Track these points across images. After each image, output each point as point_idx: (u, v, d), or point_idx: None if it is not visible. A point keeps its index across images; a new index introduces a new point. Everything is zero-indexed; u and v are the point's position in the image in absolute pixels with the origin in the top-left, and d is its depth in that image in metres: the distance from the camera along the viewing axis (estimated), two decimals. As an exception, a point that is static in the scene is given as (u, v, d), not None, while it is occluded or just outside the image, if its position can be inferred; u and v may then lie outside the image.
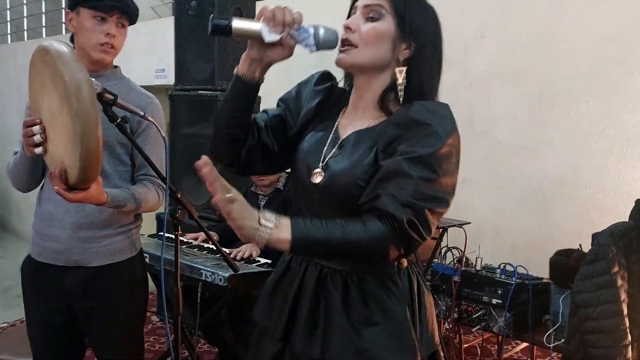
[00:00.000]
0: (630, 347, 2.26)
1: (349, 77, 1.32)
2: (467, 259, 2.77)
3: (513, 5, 3.51)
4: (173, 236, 1.75)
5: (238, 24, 1.10)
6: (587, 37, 3.26)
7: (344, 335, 1.15)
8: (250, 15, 3.49)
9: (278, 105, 1.35)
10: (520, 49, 3.51)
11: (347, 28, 1.19)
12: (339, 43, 1.18)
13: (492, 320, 2.55)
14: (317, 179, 1.19)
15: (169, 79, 5.25)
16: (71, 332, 1.87)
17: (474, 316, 2.58)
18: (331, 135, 1.25)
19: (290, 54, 1.17)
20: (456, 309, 2.66)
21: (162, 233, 2.92)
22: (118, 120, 1.54)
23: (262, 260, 2.53)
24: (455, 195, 1.18)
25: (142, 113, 1.58)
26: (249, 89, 1.21)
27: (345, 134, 1.24)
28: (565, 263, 2.59)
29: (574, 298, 2.31)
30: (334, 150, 1.22)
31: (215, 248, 2.72)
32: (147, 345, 3.50)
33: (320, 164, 1.21)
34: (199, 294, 2.29)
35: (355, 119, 1.26)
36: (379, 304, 1.17)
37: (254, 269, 2.38)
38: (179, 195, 1.68)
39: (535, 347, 2.61)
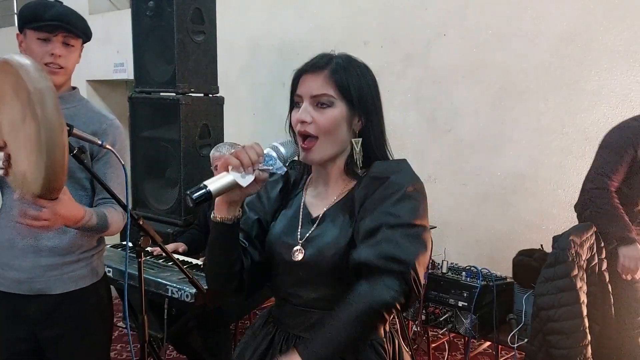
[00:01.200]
0: (589, 347, 2.35)
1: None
2: (433, 261, 2.81)
3: (474, 3, 3.53)
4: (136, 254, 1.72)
5: (214, 186, 1.10)
6: (546, 35, 3.31)
7: None
8: (210, 13, 3.41)
9: (244, 212, 1.28)
10: (481, 46, 3.54)
11: (303, 122, 1.19)
12: (299, 140, 1.21)
13: (459, 322, 2.60)
14: (299, 256, 1.20)
15: (129, 73, 5.11)
16: (36, 359, 1.83)
17: (441, 318, 2.63)
18: (301, 213, 1.25)
19: (263, 184, 1.17)
20: (424, 311, 2.71)
21: (125, 242, 2.87)
22: (74, 152, 1.49)
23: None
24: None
25: (99, 142, 1.53)
26: (234, 228, 1.19)
27: (318, 210, 1.25)
28: (527, 263, 2.66)
29: (536, 300, 2.38)
30: (313, 227, 1.22)
31: (187, 260, 2.70)
32: (114, 354, 3.45)
33: (300, 242, 1.22)
34: (166, 310, 2.26)
35: (327, 194, 1.26)
36: None
37: (222, 283, 2.36)
38: (141, 222, 1.64)
39: (500, 346, 2.68)
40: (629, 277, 2.46)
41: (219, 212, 1.17)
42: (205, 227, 3.06)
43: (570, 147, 3.22)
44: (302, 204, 1.26)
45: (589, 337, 2.32)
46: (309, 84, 1.19)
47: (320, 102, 1.18)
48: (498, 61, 3.48)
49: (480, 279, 2.61)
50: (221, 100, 3.52)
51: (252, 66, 4.53)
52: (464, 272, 2.68)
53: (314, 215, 1.24)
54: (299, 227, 1.23)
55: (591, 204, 2.53)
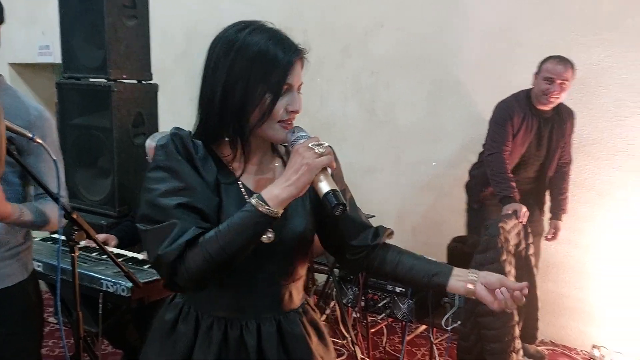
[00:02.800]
0: (516, 326, 2.48)
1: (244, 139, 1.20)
2: (371, 249, 2.86)
3: (411, -5, 3.60)
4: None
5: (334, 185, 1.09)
6: (477, 30, 3.42)
7: None
8: (143, 2, 3.29)
9: (207, 193, 1.17)
10: (418, 38, 3.61)
11: (297, 112, 1.17)
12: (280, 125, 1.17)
13: (396, 308, 2.68)
14: (270, 237, 1.15)
15: (55, 56, 4.85)
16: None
17: (380, 304, 2.70)
18: (245, 195, 1.19)
19: None
20: (363, 298, 2.77)
21: (55, 236, 2.75)
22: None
23: (168, 264, 2.45)
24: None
25: (30, 135, 1.45)
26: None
27: (260, 187, 1.20)
28: (461, 249, 2.77)
29: (468, 284, 2.48)
30: None
31: (122, 253, 2.61)
32: (45, 350, 3.30)
33: None
34: (100, 305, 2.18)
35: (260, 171, 1.25)
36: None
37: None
38: (74, 216, 1.57)
39: (435, 328, 2.78)
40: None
41: (280, 208, 1.09)
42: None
43: (501, 137, 3.36)
44: (241, 185, 1.20)
45: (516, 318, 2.45)
46: (298, 72, 1.16)
47: (298, 90, 1.18)
48: (434, 54, 3.57)
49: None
50: (155, 88, 3.40)
51: (189, 53, 4.41)
52: (401, 259, 2.75)
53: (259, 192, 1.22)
54: None
55: (489, 168, 2.95)
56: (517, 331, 2.47)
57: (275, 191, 1.07)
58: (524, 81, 3.25)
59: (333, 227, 1.29)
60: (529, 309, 2.79)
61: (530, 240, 2.79)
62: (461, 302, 2.64)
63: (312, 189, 1.11)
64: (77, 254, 1.61)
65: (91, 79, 3.23)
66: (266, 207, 1.06)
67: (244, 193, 1.19)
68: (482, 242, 2.44)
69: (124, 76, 3.21)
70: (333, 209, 1.05)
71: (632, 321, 3.05)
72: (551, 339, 3.38)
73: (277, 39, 1.14)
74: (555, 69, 2.84)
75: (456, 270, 1.26)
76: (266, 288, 1.23)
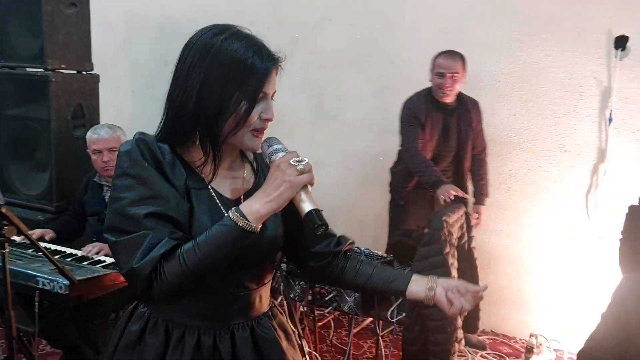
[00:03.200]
0: (459, 317, 2.55)
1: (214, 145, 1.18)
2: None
3: (359, -9, 3.61)
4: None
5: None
6: (425, 27, 3.48)
7: None
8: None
9: (176, 199, 1.13)
10: (367, 34, 3.64)
11: (271, 120, 1.16)
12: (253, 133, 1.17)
13: (343, 301, 2.69)
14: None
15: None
16: None
17: (326, 298, 2.70)
18: (218, 201, 1.18)
19: None
20: (310, 292, 2.77)
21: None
22: None
23: (109, 260, 2.38)
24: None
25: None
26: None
27: (231, 193, 1.21)
28: (406, 243, 2.81)
29: (413, 276, 2.52)
30: None
31: (60, 249, 2.51)
32: (-23, 353, 3.14)
33: None
34: (37, 303, 2.09)
35: (230, 176, 1.23)
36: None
37: (99, 272, 2.23)
38: (3, 210, 1.49)
39: (381, 321, 2.82)
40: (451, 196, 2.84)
41: (259, 223, 1.09)
42: (81, 214, 2.87)
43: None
44: (212, 191, 1.18)
45: (459, 309, 2.52)
46: (273, 80, 1.15)
47: (272, 98, 1.17)
48: (382, 49, 3.61)
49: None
50: (96, 78, 3.29)
51: (131, 42, 4.29)
52: (348, 253, 2.77)
53: (232, 198, 1.21)
54: (223, 212, 1.16)
55: (409, 163, 3.07)
56: (459, 322, 2.54)
57: (255, 206, 1.07)
58: (474, 77, 3.34)
59: (297, 233, 1.28)
60: (471, 300, 2.87)
61: (473, 233, 2.87)
62: (406, 295, 2.68)
63: None
64: (8, 250, 1.53)
65: (28, 69, 3.10)
66: (245, 222, 1.05)
67: (216, 199, 1.17)
68: (426, 236, 2.49)
69: (63, 66, 3.10)
70: (315, 229, 1.06)
71: (567, 311, 3.19)
72: (492, 329, 3.49)
73: (255, 46, 1.12)
74: (444, 63, 3.00)
75: (416, 277, 1.28)
76: (238, 294, 1.22)
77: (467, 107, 3.13)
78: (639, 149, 3.05)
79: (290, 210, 1.12)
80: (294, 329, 1.39)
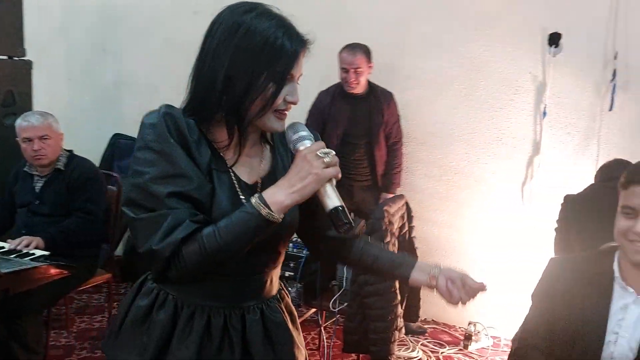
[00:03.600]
0: (399, 305, 2.58)
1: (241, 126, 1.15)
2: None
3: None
4: None
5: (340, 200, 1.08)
6: (370, 21, 3.50)
7: None
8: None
9: (201, 179, 1.10)
10: (313, 26, 3.60)
11: (295, 103, 1.14)
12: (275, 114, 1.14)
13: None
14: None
15: None
16: None
17: (268, 289, 2.69)
18: (237, 185, 1.15)
19: None
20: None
21: None
22: None
23: (38, 253, 2.27)
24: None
25: None
26: None
27: (249, 177, 1.19)
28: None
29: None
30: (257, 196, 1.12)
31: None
32: None
33: None
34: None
35: (250, 161, 1.20)
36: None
37: (28, 264, 2.13)
38: None
39: (324, 311, 2.83)
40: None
41: (282, 214, 1.06)
42: (10, 204, 2.73)
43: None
44: (232, 174, 1.15)
45: (399, 297, 2.55)
46: (301, 63, 1.13)
47: (297, 81, 1.14)
48: (328, 42, 3.58)
49: (306, 249, 2.71)
50: (29, 64, 3.14)
51: (67, 28, 4.12)
52: (290, 244, 2.76)
53: (249, 182, 1.18)
54: (240, 196, 1.14)
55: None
56: (399, 310, 2.57)
57: (279, 196, 1.05)
58: (415, 70, 3.39)
59: (311, 217, 1.25)
60: (412, 289, 2.92)
61: (414, 223, 2.92)
62: (348, 284, 2.70)
63: None
64: None
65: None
66: (269, 211, 1.04)
67: (236, 183, 1.15)
68: (368, 225, 2.51)
69: (-8, 50, 2.94)
70: (339, 227, 1.04)
71: (504, 300, 3.29)
72: (433, 318, 3.57)
73: (284, 27, 1.10)
74: (346, 59, 3.12)
75: (419, 264, 1.28)
76: (251, 276, 1.20)
77: (378, 98, 3.22)
78: (570, 142, 3.18)
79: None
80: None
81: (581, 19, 3.05)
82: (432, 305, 3.47)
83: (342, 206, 1.05)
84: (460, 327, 3.46)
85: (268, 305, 1.24)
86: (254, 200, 1.05)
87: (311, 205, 1.14)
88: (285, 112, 1.14)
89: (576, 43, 3.08)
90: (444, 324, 3.53)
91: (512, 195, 3.32)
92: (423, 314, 3.43)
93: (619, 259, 1.44)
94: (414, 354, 3.08)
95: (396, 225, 2.64)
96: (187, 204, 1.06)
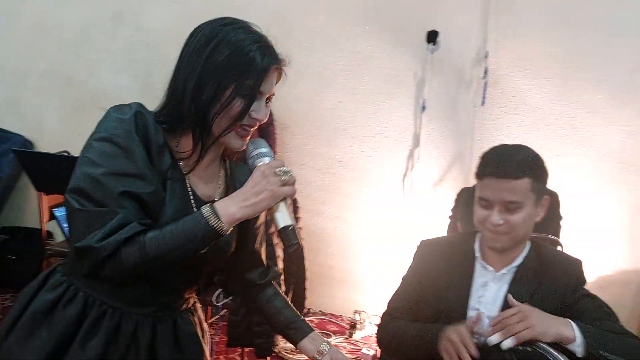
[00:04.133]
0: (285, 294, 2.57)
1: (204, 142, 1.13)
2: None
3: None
4: None
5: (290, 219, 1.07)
6: (256, 14, 3.44)
7: None
8: None
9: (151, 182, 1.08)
10: (197, 15, 3.49)
11: (259, 121, 1.13)
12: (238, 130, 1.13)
13: (165, 288, 2.57)
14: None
15: None
16: None
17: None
18: (191, 196, 1.14)
19: None
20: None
21: None
22: None
23: None
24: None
25: None
26: None
27: (205, 193, 1.18)
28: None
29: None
30: None
31: None
32: None
33: None
34: None
35: (205, 176, 1.19)
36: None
37: None
38: None
39: (209, 307, 2.74)
40: None
41: (231, 226, 1.05)
42: None
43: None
44: (186, 184, 1.14)
45: (283, 288, 2.54)
46: (271, 81, 1.12)
47: (269, 100, 1.14)
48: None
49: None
50: None
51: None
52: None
53: (203, 197, 1.16)
54: (193, 207, 1.13)
55: None
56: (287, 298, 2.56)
57: (231, 208, 1.03)
58: (302, 64, 3.39)
59: (236, 249, 1.23)
60: (298, 280, 2.93)
61: (300, 214, 2.93)
62: (233, 278, 2.64)
63: None
64: None
65: None
66: (218, 222, 1.02)
67: (190, 194, 1.13)
68: (251, 216, 2.47)
69: None
70: (288, 247, 1.04)
71: (387, 290, 3.39)
72: (320, 309, 3.60)
73: (260, 42, 1.10)
74: None
75: (313, 334, 1.29)
76: (172, 288, 1.19)
77: None
78: (447, 135, 3.35)
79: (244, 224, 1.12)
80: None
81: (456, 18, 3.22)
82: (319, 296, 3.51)
83: (293, 226, 1.05)
84: (346, 317, 3.53)
85: (181, 317, 1.24)
86: (205, 209, 1.04)
87: (242, 238, 1.18)
88: (249, 128, 1.12)
89: (452, 41, 3.24)
90: (331, 314, 3.58)
91: (395, 188, 3.43)
92: (310, 304, 3.47)
93: (479, 240, 1.52)
94: (300, 346, 3.08)
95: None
96: (138, 206, 1.04)
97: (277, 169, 1.05)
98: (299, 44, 3.43)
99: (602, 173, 3.07)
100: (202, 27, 1.12)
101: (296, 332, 1.29)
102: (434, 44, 3.26)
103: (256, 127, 1.14)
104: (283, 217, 1.06)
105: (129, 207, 1.02)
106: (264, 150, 1.12)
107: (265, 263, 1.36)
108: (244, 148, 1.14)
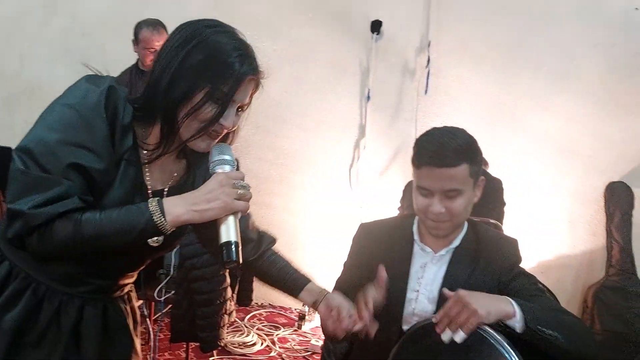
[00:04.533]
0: (228, 289, 2.52)
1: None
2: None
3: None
4: None
5: (236, 235, 1.02)
6: (196, 2, 3.37)
7: None
8: None
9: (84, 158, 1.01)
10: (134, 2, 3.40)
11: (226, 128, 1.08)
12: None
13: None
14: (157, 240, 1.07)
15: None
16: None
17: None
18: (144, 184, 1.09)
19: None
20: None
21: None
22: None
23: None
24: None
25: None
26: None
27: (156, 183, 1.12)
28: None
29: (181, 251, 2.43)
30: None
31: None
32: None
33: None
34: None
35: (165, 167, 1.14)
36: None
37: None
38: None
39: (152, 302, 2.66)
40: None
41: (174, 227, 1.01)
42: None
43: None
44: (141, 169, 1.09)
45: (228, 281, 2.49)
46: (245, 90, 1.09)
47: (241, 109, 1.11)
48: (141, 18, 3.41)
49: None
50: None
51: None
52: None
53: (154, 188, 1.11)
54: (140, 195, 1.07)
55: None
56: (229, 293, 2.51)
57: (178, 209, 0.99)
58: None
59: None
60: (245, 272, 2.88)
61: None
62: (175, 271, 2.57)
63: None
64: None
65: None
66: (161, 219, 0.98)
67: (143, 181, 1.09)
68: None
69: None
70: (225, 263, 1.00)
71: (334, 279, 3.40)
72: (270, 302, 3.57)
73: (241, 50, 1.07)
74: (149, 38, 2.91)
75: (310, 285, 1.29)
76: (105, 272, 1.13)
77: None
78: (392, 124, 3.36)
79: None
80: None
81: (399, 7, 3.24)
82: (267, 289, 3.46)
83: (237, 242, 1.01)
84: (296, 309, 3.50)
85: (113, 303, 1.18)
86: (151, 203, 0.99)
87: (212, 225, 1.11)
88: (216, 134, 1.08)
89: (395, 31, 3.26)
90: (280, 307, 3.55)
91: (342, 179, 3.43)
92: (260, 298, 3.42)
93: (418, 223, 1.52)
94: (248, 339, 3.04)
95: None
96: (84, 181, 0.99)
97: (236, 182, 1.02)
98: (243, 31, 3.34)
99: (541, 159, 3.16)
100: (186, 24, 1.09)
101: (295, 284, 1.31)
102: (377, 34, 3.26)
103: (224, 133, 1.10)
104: (228, 232, 1.01)
105: (74, 179, 0.98)
106: (227, 157, 1.08)
107: (253, 238, 1.30)
108: (208, 150, 1.10)
